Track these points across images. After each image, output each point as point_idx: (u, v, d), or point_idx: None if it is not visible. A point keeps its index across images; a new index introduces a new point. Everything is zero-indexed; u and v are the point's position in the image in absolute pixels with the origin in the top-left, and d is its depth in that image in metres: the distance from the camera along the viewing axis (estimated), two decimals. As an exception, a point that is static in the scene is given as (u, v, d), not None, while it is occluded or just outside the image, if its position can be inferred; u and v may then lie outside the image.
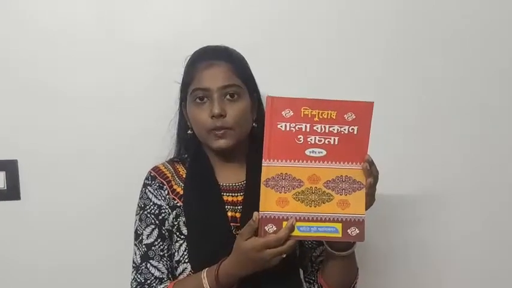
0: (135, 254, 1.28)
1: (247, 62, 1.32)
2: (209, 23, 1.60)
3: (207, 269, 1.20)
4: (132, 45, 1.58)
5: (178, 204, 1.29)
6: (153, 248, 1.27)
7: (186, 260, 1.27)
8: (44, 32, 1.56)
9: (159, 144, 1.45)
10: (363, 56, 1.65)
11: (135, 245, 1.29)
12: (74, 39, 1.57)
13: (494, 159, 1.72)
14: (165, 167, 1.34)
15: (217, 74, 1.25)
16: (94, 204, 1.61)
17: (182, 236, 1.28)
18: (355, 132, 1.14)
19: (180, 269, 1.27)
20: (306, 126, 1.13)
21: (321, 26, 1.63)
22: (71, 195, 1.61)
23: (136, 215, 1.31)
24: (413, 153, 1.69)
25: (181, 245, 1.28)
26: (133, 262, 1.29)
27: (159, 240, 1.28)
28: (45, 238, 1.61)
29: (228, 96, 1.25)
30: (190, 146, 1.35)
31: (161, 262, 1.27)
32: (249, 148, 1.32)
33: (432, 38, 1.67)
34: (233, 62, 1.27)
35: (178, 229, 1.28)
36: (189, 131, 1.33)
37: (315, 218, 1.14)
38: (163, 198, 1.30)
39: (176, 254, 1.28)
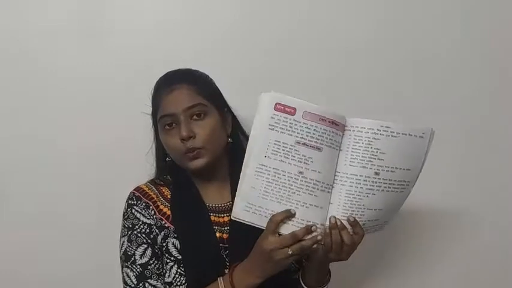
0: (128, 275, 1.24)
1: (212, 79, 1.34)
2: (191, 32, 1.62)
3: (221, 277, 1.20)
4: (113, 52, 1.59)
5: (166, 225, 1.28)
6: (149, 267, 1.24)
7: (179, 283, 1.25)
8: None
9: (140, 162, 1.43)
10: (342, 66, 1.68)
11: (127, 266, 1.25)
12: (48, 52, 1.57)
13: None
14: (148, 188, 1.32)
15: (180, 97, 1.26)
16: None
17: (172, 258, 1.26)
18: None
19: None
20: None
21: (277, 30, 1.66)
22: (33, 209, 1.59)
23: (123, 236, 1.27)
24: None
25: (172, 267, 1.26)
26: (127, 284, 1.24)
27: (153, 259, 1.25)
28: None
29: (194, 117, 1.25)
30: (172, 170, 1.34)
31: (159, 281, 1.25)
32: (230, 167, 1.33)
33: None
34: (194, 82, 1.29)
35: (167, 250, 1.26)
36: (168, 158, 1.33)
37: None
38: (151, 217, 1.28)
39: (167, 275, 1.26)
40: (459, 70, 1.72)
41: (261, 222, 1.12)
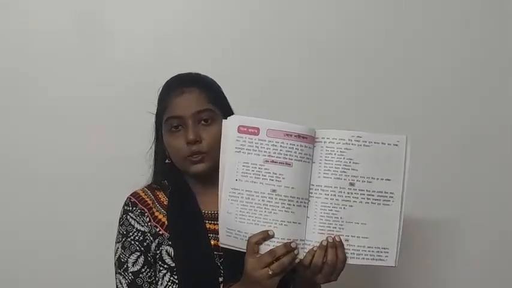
0: (121, 282, 1.26)
1: (219, 86, 1.34)
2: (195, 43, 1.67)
3: None
4: (111, 63, 1.64)
5: (160, 232, 1.28)
6: (140, 275, 1.25)
7: None
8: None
9: (132, 171, 1.43)
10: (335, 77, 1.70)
11: (120, 273, 1.26)
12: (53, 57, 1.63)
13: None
14: (145, 193, 1.32)
15: (190, 101, 1.25)
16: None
17: (165, 265, 1.26)
18: None
19: None
20: None
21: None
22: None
23: (118, 242, 1.28)
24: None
25: (164, 274, 1.26)
26: None
27: (145, 267, 1.26)
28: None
29: (202, 122, 1.26)
30: (169, 174, 1.34)
31: None
32: None
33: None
34: (204, 87, 1.28)
35: (161, 258, 1.27)
36: (167, 160, 1.33)
37: None
38: (145, 224, 1.28)
39: (160, 283, 1.27)
40: (454, 76, 1.74)
41: (244, 246, 1.12)
